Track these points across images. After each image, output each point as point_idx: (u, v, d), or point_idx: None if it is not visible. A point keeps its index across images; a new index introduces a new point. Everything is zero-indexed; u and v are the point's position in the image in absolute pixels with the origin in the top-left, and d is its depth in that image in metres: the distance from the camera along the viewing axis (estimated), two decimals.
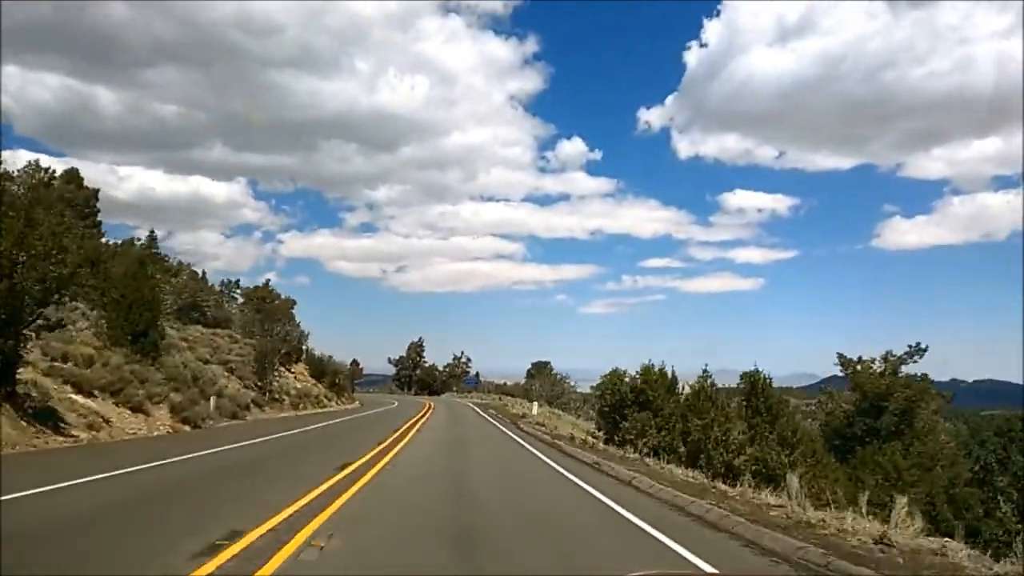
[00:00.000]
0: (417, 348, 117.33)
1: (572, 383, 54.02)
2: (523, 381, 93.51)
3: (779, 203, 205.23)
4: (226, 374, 32.60)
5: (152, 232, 66.99)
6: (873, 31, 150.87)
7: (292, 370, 52.70)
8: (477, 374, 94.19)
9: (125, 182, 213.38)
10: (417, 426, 28.51)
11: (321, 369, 59.51)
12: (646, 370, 24.47)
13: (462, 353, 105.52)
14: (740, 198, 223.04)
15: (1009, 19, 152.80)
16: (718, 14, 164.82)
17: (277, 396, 35.82)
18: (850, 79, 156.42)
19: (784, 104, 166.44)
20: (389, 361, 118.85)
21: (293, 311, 77.07)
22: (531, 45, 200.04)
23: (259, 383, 33.34)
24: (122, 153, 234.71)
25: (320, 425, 27.24)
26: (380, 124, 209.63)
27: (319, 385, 55.46)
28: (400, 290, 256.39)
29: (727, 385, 24.93)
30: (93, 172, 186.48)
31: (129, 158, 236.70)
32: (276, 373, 34.76)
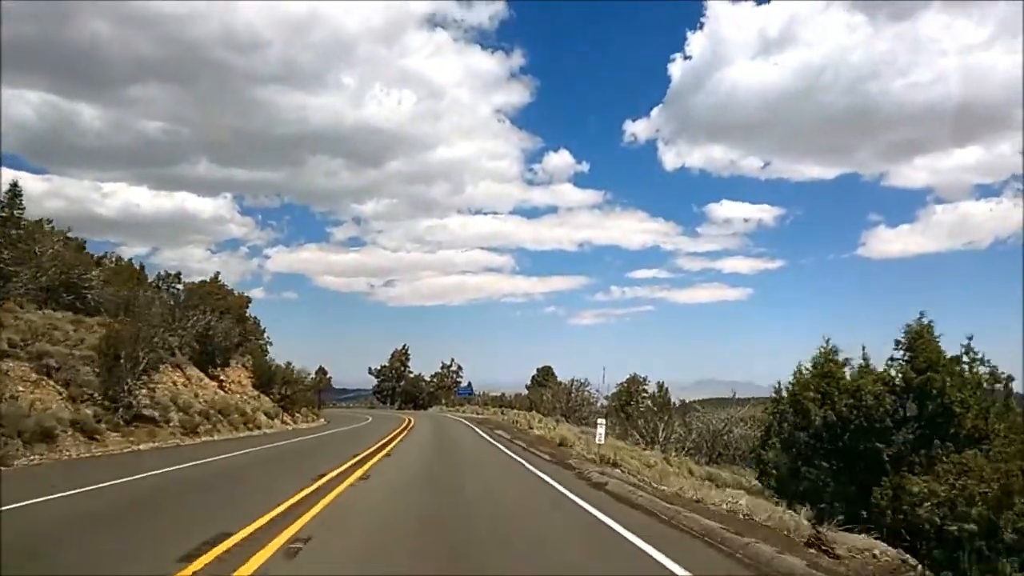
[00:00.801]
0: (401, 356, 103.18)
1: (594, 391, 40.33)
2: (524, 391, 79.64)
3: (765, 213, 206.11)
4: (41, 378, 18.58)
5: None
6: (854, 43, 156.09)
7: (222, 376, 38.62)
8: (470, 384, 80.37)
9: (109, 199, 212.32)
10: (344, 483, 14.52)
11: (269, 378, 45.33)
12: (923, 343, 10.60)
13: (451, 361, 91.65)
14: (727, 208, 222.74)
15: (987, 31, 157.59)
16: (701, 26, 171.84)
17: (150, 413, 21.72)
18: (833, 90, 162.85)
19: (768, 115, 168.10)
20: (370, 372, 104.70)
21: (247, 311, 63.20)
22: (517, 58, 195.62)
23: (107, 393, 19.28)
24: (105, 170, 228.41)
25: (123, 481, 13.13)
26: (366, 138, 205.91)
27: (263, 398, 41.31)
28: (388, 304, 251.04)
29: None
30: (76, 190, 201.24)
31: (113, 175, 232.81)
32: (145, 378, 20.67)
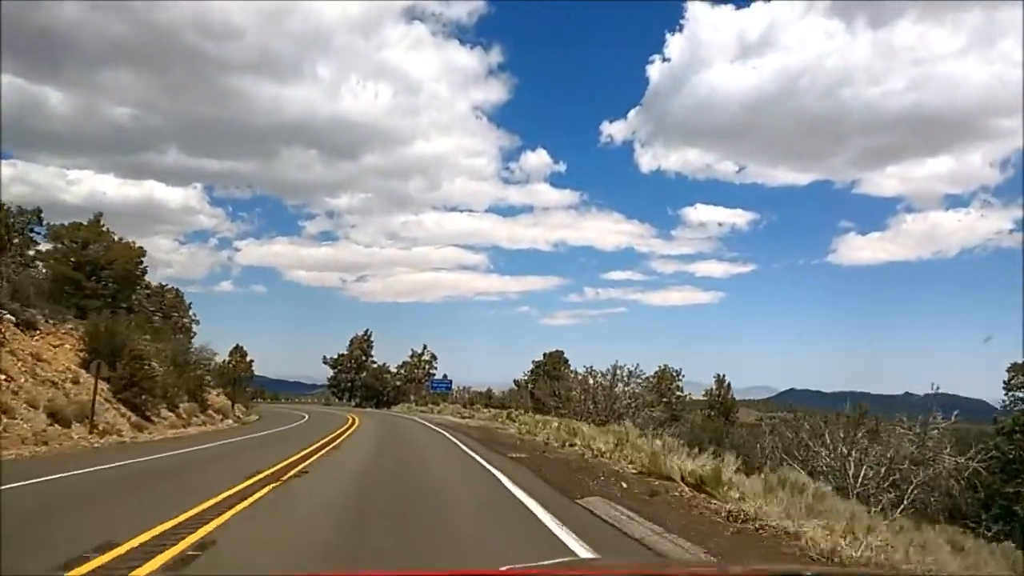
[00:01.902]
0: (362, 344, 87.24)
1: (624, 380, 25.70)
2: (513, 389, 64.55)
3: (739, 217, 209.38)
4: None
5: None
6: (831, 49, 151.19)
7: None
8: (446, 377, 64.73)
9: (75, 186, 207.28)
10: None
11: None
12: None
13: (423, 349, 76.02)
14: (701, 212, 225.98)
15: (961, 41, 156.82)
16: (681, 28, 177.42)
17: None
18: (808, 96, 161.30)
19: (745, 119, 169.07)
20: (325, 361, 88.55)
21: (142, 264, 47.01)
22: (496, 55, 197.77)
23: None
24: (72, 156, 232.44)
25: None
26: (342, 131, 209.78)
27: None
28: (360, 300, 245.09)
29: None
30: (41, 176, 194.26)
31: (79, 161, 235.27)
32: None
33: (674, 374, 45.59)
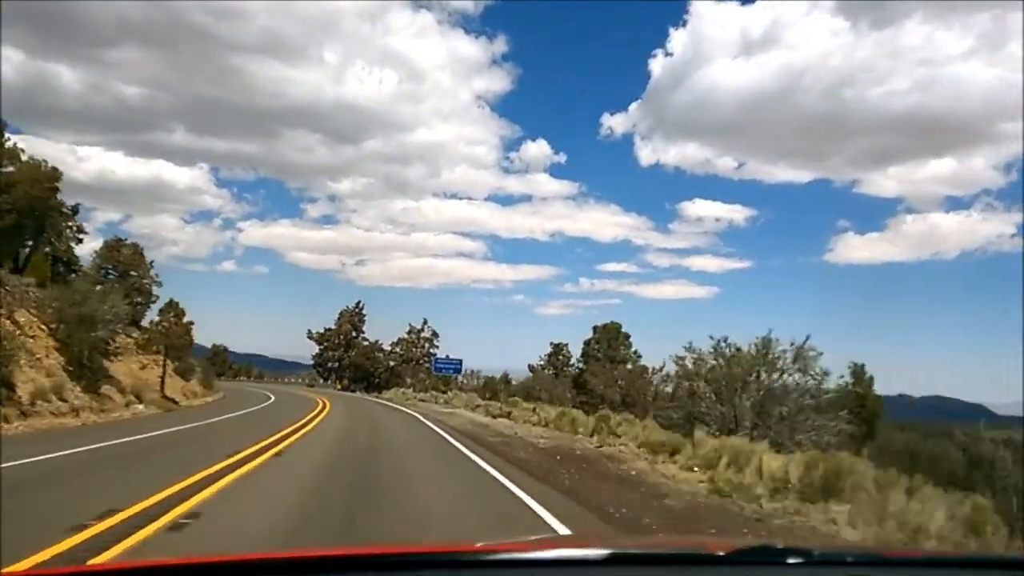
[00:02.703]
0: (352, 318, 75.85)
1: (788, 366, 14.45)
2: (528, 376, 53.26)
3: (737, 213, 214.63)
4: None
5: None
6: (835, 48, 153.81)
7: None
8: (448, 358, 52.35)
9: (84, 163, 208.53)
10: None
11: None
12: None
13: (423, 324, 64.42)
14: (699, 207, 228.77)
15: (969, 42, 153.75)
16: (684, 24, 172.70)
17: None
18: (811, 94, 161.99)
19: (745, 116, 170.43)
20: (309, 336, 77.10)
21: (56, 191, 36.31)
22: (500, 45, 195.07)
23: None
24: (82, 133, 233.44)
25: None
26: (345, 116, 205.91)
27: None
28: (358, 283, 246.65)
29: None
30: (52, 152, 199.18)
31: (89, 138, 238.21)
32: None
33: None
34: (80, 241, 43.93)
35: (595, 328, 44.04)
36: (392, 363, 64.20)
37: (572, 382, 35.51)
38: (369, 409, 30.78)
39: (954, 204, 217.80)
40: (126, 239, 55.53)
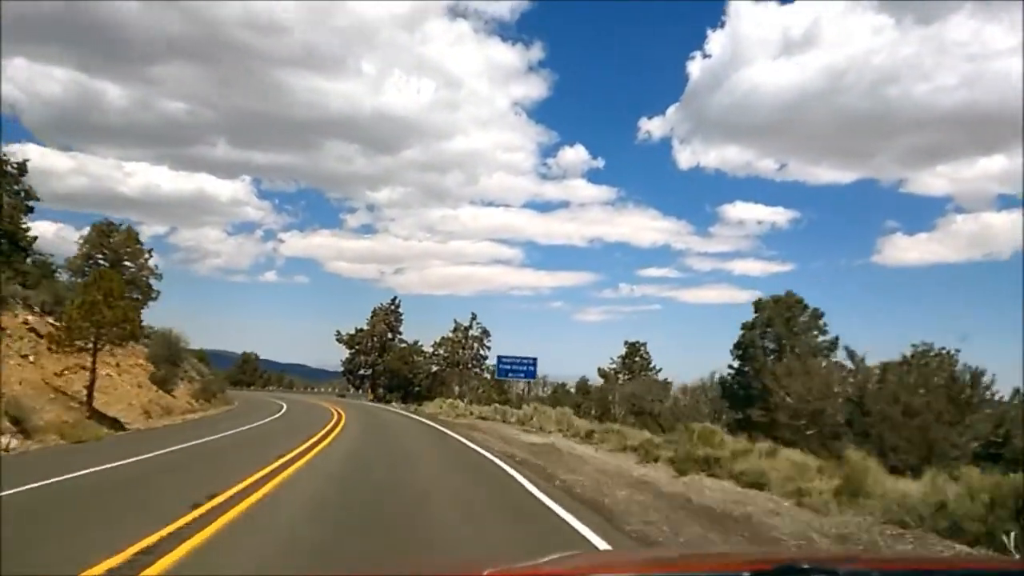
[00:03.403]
0: (386, 317, 65.05)
1: None
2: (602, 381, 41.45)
3: (779, 215, 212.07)
4: None
5: None
6: (879, 46, 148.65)
7: None
8: (523, 358, 35.91)
9: (131, 178, 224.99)
10: None
11: None
12: None
13: (472, 320, 52.89)
14: (740, 210, 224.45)
15: (1018, 36, 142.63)
16: (723, 25, 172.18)
17: None
18: (853, 93, 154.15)
19: (786, 116, 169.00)
20: (339, 338, 66.49)
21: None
22: (536, 52, 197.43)
23: None
24: (128, 148, 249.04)
25: None
26: (383, 125, 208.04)
27: None
28: (396, 292, 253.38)
29: None
30: (99, 167, 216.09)
31: (135, 153, 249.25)
32: None
33: None
34: (30, 210, 33.79)
35: (757, 304, 30.78)
36: (434, 368, 53.07)
37: (722, 391, 23.85)
38: (401, 438, 19.35)
39: (1006, 202, 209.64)
40: (154, 250, 46.21)
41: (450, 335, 51.82)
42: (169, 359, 35.67)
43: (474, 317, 51.33)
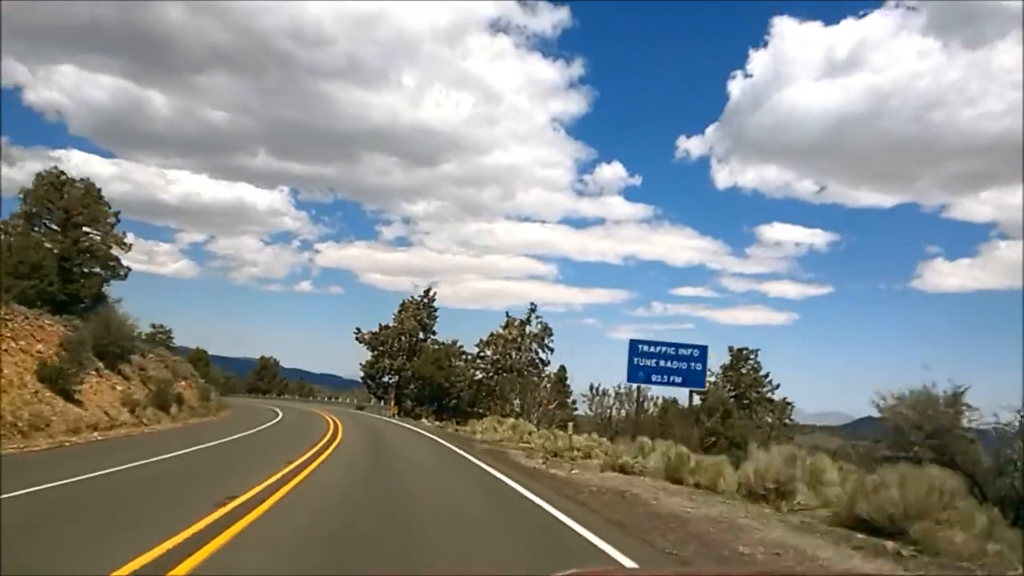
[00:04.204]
0: (418, 311, 52.96)
1: None
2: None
3: (817, 238, 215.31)
4: None
5: None
6: (925, 69, 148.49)
7: None
8: (681, 352, 22.57)
9: (172, 185, 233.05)
10: None
11: None
12: None
13: (530, 313, 39.94)
14: (777, 231, 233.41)
15: None
16: (765, 45, 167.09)
17: None
18: (898, 117, 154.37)
19: (827, 138, 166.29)
20: (358, 337, 54.47)
21: None
22: (577, 68, 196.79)
23: None
24: (170, 156, 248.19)
25: None
26: (422, 139, 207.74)
27: None
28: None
29: None
30: (142, 175, 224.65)
31: (177, 162, 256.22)
32: None
33: None
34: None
35: None
36: (478, 374, 40.58)
37: None
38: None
39: None
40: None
41: (500, 332, 39.34)
42: (104, 347, 24.44)
43: (533, 309, 38.87)
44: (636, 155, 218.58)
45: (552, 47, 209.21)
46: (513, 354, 37.78)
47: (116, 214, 36.95)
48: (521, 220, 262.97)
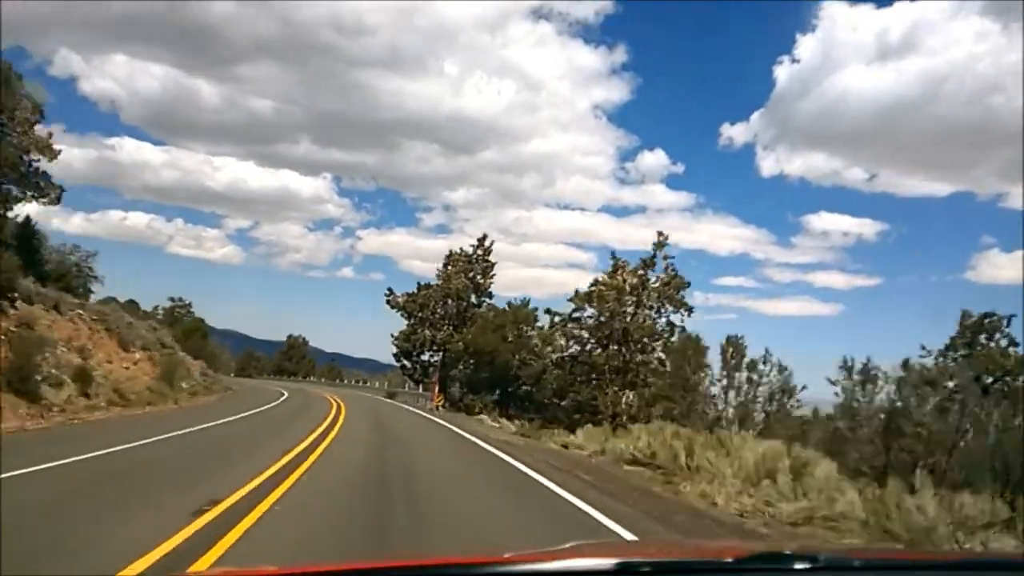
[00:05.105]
0: (469, 265, 38.77)
1: None
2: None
3: (866, 227, 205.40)
4: None
5: None
6: (983, 52, 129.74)
7: None
8: None
9: (219, 172, 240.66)
10: None
11: None
12: None
13: (658, 248, 25.44)
14: (825, 220, 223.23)
15: None
16: (814, 29, 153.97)
17: None
18: (953, 101, 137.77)
19: (879, 125, 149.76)
20: (389, 301, 40.52)
21: None
22: (619, 54, 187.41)
23: None
24: (217, 144, 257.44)
25: None
26: (463, 126, 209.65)
27: None
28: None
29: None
30: (191, 162, 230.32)
31: (223, 149, 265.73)
32: None
33: None
34: None
35: None
36: (571, 348, 25.59)
37: None
38: None
39: None
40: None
41: (602, 281, 24.41)
42: None
43: (662, 244, 23.72)
44: (679, 142, 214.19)
45: (594, 33, 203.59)
46: (630, 313, 22.99)
47: (40, 108, 23.52)
48: (561, 208, 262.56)
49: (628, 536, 6.39)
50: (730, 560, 1.65)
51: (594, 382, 22.70)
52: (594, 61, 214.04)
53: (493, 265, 39.50)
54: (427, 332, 38.53)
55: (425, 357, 39.55)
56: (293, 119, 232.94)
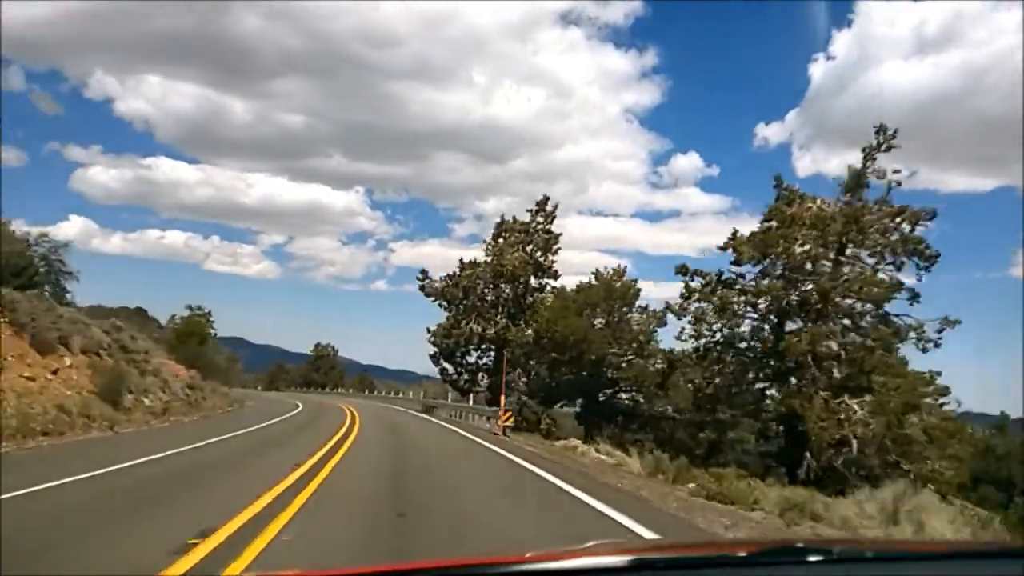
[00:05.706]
0: (527, 237, 29.61)
1: None
2: None
3: (906, 225, 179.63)
4: None
5: None
6: None
7: None
8: None
9: (252, 188, 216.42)
10: None
11: None
12: None
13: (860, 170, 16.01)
14: None
15: None
16: (850, 24, 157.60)
17: None
18: (994, 94, 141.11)
19: (917, 120, 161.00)
20: (422, 287, 31.42)
21: None
22: (650, 57, 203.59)
23: None
24: (250, 160, 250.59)
25: None
26: (493, 136, 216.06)
27: None
28: None
29: None
30: (224, 179, 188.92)
31: (255, 165, 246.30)
32: None
33: None
34: None
35: None
36: (707, 334, 16.26)
37: None
38: None
39: None
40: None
41: (781, 208, 14.92)
42: None
43: (876, 147, 14.45)
44: (713, 144, 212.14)
45: (624, 37, 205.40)
46: (830, 262, 13.51)
47: None
48: (593, 215, 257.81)
49: None
50: (743, 554, 1.65)
51: (785, 384, 13.12)
52: (624, 64, 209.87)
53: (557, 237, 30.14)
54: (474, 326, 29.22)
55: (472, 358, 30.31)
56: (324, 133, 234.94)
